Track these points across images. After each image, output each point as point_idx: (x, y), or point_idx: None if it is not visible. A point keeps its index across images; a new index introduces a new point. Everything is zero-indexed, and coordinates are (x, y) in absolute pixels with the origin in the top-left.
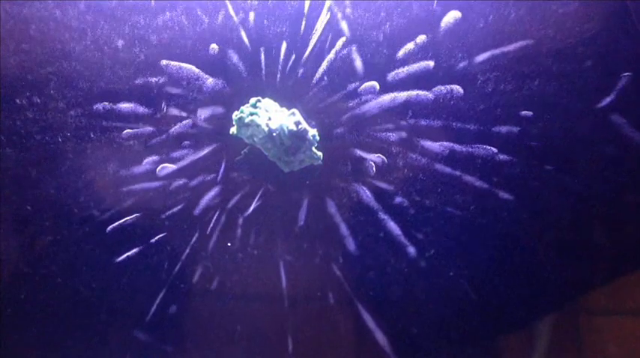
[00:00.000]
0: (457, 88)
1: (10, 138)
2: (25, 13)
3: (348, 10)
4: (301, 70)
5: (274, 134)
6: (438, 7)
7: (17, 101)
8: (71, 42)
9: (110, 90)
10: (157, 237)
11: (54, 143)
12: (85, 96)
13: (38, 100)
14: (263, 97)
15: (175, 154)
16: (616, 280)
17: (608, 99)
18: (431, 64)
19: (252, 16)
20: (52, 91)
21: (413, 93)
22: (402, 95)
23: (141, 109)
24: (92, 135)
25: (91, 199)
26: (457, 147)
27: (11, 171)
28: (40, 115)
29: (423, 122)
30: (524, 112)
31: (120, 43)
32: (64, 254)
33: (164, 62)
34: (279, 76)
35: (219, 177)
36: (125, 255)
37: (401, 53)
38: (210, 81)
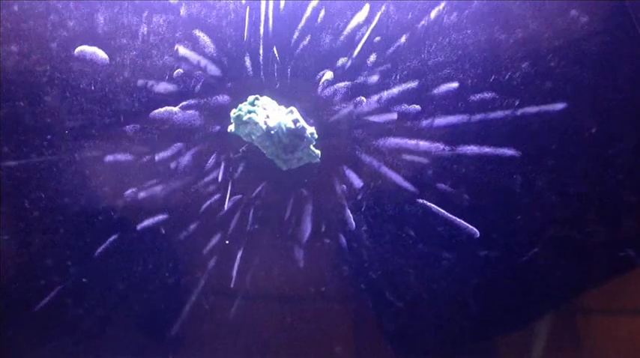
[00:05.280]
0: (455, 88)
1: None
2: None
3: (349, 9)
4: (299, 68)
5: (272, 132)
6: (439, 7)
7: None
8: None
9: (109, 87)
10: (156, 237)
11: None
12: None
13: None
14: (261, 95)
15: (174, 152)
16: (613, 279)
17: (607, 99)
18: (431, 62)
19: (250, 13)
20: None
21: (413, 90)
22: (403, 94)
23: (141, 106)
24: (91, 133)
25: (90, 198)
26: (456, 146)
27: (13, 171)
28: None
29: (422, 120)
30: (521, 113)
31: (120, 38)
32: (66, 253)
33: (164, 60)
34: (277, 74)
35: (218, 176)
36: (124, 254)
37: (399, 51)
38: (208, 79)
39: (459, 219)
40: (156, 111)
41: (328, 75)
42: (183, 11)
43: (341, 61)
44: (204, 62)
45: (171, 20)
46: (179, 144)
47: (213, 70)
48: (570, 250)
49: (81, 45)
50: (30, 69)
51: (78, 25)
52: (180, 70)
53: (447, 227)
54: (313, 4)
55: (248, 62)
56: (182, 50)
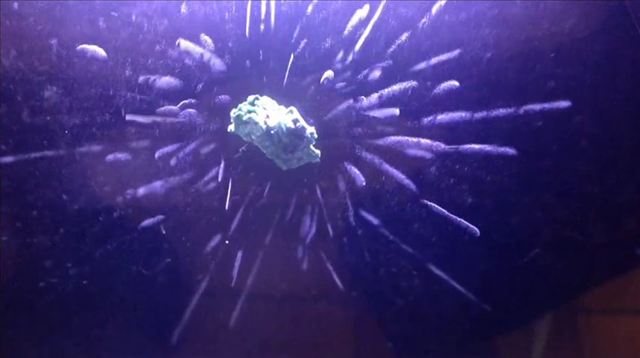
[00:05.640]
0: (455, 87)
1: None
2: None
3: (349, 8)
4: (300, 68)
5: (272, 132)
6: (440, 6)
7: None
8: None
9: (106, 86)
10: (155, 237)
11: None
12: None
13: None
14: (261, 95)
15: (174, 152)
16: (614, 279)
17: (607, 99)
18: (430, 61)
19: (251, 12)
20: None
21: (413, 88)
22: (404, 92)
23: (139, 106)
24: (88, 133)
25: (87, 198)
26: (457, 145)
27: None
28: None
29: (423, 119)
30: (522, 112)
31: (120, 37)
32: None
33: (163, 60)
34: (277, 73)
35: (217, 176)
36: (123, 254)
37: (399, 49)
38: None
39: (459, 219)
40: (154, 110)
41: (328, 74)
42: (183, 9)
43: (341, 60)
44: (203, 61)
45: (171, 18)
46: (178, 144)
47: (212, 69)
48: (571, 250)
49: (79, 42)
50: (28, 67)
51: (77, 22)
52: (179, 70)
53: (447, 226)
54: (314, 2)
55: (248, 61)
56: (181, 49)
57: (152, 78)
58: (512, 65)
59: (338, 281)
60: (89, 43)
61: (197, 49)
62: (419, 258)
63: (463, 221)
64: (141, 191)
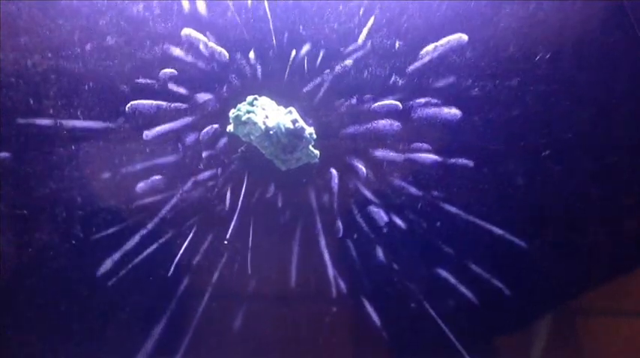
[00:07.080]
0: (454, 88)
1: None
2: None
3: (348, 8)
4: (299, 68)
5: (271, 132)
6: (438, 6)
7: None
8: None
9: (106, 86)
10: (154, 236)
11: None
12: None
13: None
14: (260, 95)
15: (173, 153)
16: (613, 281)
17: (606, 99)
18: (431, 59)
19: (252, 13)
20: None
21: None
22: (404, 92)
23: (138, 106)
24: (89, 132)
25: (86, 198)
26: (455, 145)
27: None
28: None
29: (421, 120)
30: (522, 113)
31: (121, 37)
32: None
33: (163, 59)
34: (276, 74)
35: (216, 177)
36: (121, 254)
37: (398, 49)
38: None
39: (460, 219)
40: (154, 110)
41: (327, 73)
42: (182, 8)
43: (341, 60)
44: (202, 61)
45: (171, 17)
46: (178, 145)
47: (212, 69)
48: (571, 250)
49: (77, 38)
50: (28, 63)
51: (76, 17)
52: (178, 70)
53: (447, 226)
54: (314, 4)
55: (247, 62)
56: (181, 49)
57: (150, 79)
58: (512, 64)
59: (338, 282)
60: (86, 38)
61: (196, 49)
62: (419, 258)
63: (463, 221)
64: (138, 192)
